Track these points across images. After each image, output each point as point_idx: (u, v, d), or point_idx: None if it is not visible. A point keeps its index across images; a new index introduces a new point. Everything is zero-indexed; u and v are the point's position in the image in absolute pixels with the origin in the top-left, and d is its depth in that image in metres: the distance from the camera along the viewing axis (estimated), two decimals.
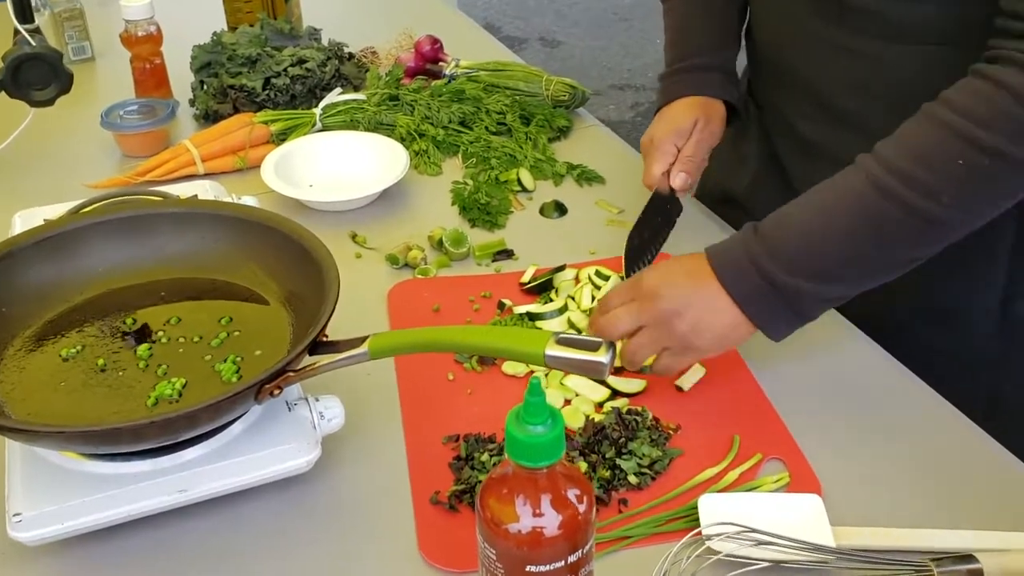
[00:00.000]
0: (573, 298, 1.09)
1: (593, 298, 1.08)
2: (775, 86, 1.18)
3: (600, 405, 0.95)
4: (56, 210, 1.08)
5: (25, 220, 1.08)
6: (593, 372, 0.75)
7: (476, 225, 1.25)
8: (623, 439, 0.89)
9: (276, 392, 0.80)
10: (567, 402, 0.96)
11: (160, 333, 0.92)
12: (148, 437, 0.78)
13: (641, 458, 0.88)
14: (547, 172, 1.36)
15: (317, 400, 0.87)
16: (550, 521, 0.63)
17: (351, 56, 1.63)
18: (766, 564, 0.77)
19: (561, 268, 1.13)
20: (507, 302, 1.09)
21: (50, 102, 1.29)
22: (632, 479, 0.86)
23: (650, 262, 1.11)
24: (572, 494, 0.64)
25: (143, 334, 0.91)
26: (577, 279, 1.12)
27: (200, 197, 1.12)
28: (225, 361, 0.87)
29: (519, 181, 1.33)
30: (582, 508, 0.64)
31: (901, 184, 0.83)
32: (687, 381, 0.98)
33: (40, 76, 1.28)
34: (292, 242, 0.93)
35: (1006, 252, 1.04)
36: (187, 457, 0.82)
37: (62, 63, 1.28)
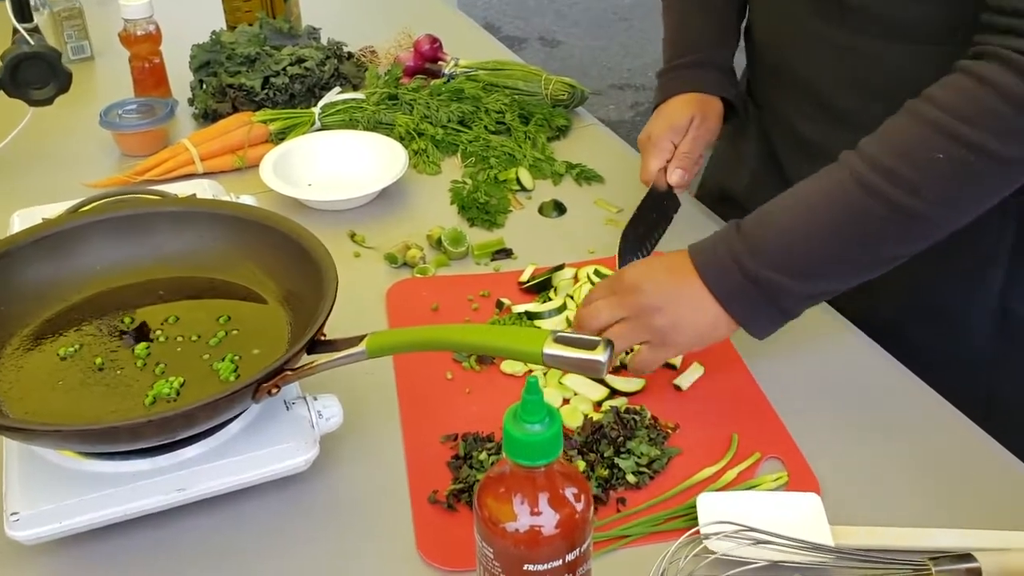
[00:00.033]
0: (572, 297, 1.08)
1: None
2: (774, 86, 1.18)
3: (599, 404, 0.95)
4: (54, 209, 1.08)
5: (24, 219, 1.08)
6: (591, 370, 0.75)
7: (475, 224, 1.25)
8: (621, 438, 0.89)
9: (274, 391, 0.80)
10: (565, 401, 0.96)
11: (158, 332, 0.92)
12: (146, 436, 0.78)
13: (639, 457, 0.88)
14: (546, 171, 1.36)
15: (315, 399, 0.87)
16: (548, 520, 0.63)
17: (350, 55, 1.63)
18: (764, 563, 0.77)
19: (560, 267, 1.13)
20: (506, 301, 1.09)
21: (49, 101, 1.29)
22: (630, 478, 0.86)
23: (644, 257, 1.11)
24: (570, 493, 0.64)
25: (141, 333, 0.91)
26: (576, 278, 1.12)
27: (199, 196, 1.11)
28: (223, 360, 0.87)
29: (518, 180, 1.33)
30: (580, 507, 0.64)
31: (884, 180, 0.83)
32: (685, 380, 0.98)
33: (39, 75, 1.28)
34: (290, 241, 0.93)
35: (1006, 253, 1.03)
36: (185, 456, 0.82)
37: (61, 62, 1.28)
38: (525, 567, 0.63)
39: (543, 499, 0.63)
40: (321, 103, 1.46)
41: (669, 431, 0.92)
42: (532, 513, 0.63)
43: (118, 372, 0.87)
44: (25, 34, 1.26)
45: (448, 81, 1.54)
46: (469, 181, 1.33)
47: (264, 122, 1.42)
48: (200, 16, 1.78)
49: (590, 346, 0.75)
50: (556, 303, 1.07)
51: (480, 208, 1.26)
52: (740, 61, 1.25)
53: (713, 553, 0.77)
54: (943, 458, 0.90)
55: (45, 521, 0.77)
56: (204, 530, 0.83)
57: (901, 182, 0.83)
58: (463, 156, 1.40)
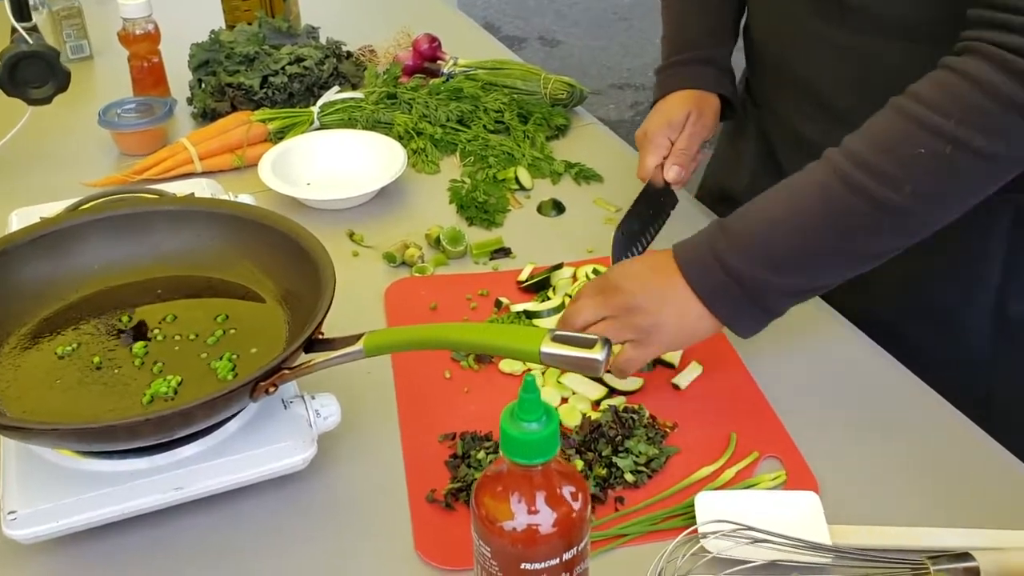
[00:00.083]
0: (570, 296, 1.08)
1: None
2: (773, 85, 1.18)
3: (597, 403, 0.95)
4: (53, 208, 1.08)
5: (22, 218, 1.08)
6: (588, 369, 0.75)
7: (474, 223, 1.25)
8: (620, 437, 0.89)
9: (271, 390, 0.80)
10: (564, 400, 0.96)
11: (156, 331, 0.91)
12: (143, 435, 0.77)
13: (638, 456, 0.88)
14: (545, 170, 1.36)
15: (313, 398, 0.87)
16: (545, 518, 0.63)
17: (349, 54, 1.62)
18: (762, 562, 0.77)
19: (559, 266, 1.13)
20: (504, 300, 1.09)
21: (47, 100, 1.29)
22: (628, 477, 0.86)
23: (639, 253, 1.11)
24: (567, 491, 0.63)
25: (139, 332, 0.91)
26: (574, 277, 1.12)
27: (197, 195, 1.11)
28: (221, 359, 0.87)
29: (517, 179, 1.33)
30: (577, 505, 0.63)
31: (867, 176, 0.83)
32: (684, 379, 0.98)
33: (37, 74, 1.28)
34: (288, 240, 0.93)
35: (1001, 252, 1.03)
36: (183, 455, 0.82)
37: (59, 61, 1.28)
38: (522, 566, 0.63)
39: (540, 498, 0.63)
40: (320, 102, 1.46)
41: (667, 430, 0.92)
42: (529, 512, 0.63)
43: (116, 371, 0.87)
44: (24, 33, 1.26)
45: (447, 80, 1.54)
46: (468, 180, 1.33)
47: (263, 121, 1.41)
48: (199, 15, 1.78)
49: (588, 344, 0.75)
50: (554, 302, 1.07)
51: (479, 207, 1.26)
52: (741, 61, 1.25)
53: (711, 552, 0.77)
54: (942, 457, 0.89)
55: (43, 520, 0.77)
56: (202, 529, 0.83)
57: (884, 178, 0.83)
58: (462, 155, 1.40)
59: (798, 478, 0.87)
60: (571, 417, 0.93)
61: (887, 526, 0.81)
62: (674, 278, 0.90)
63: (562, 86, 1.50)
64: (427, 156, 1.39)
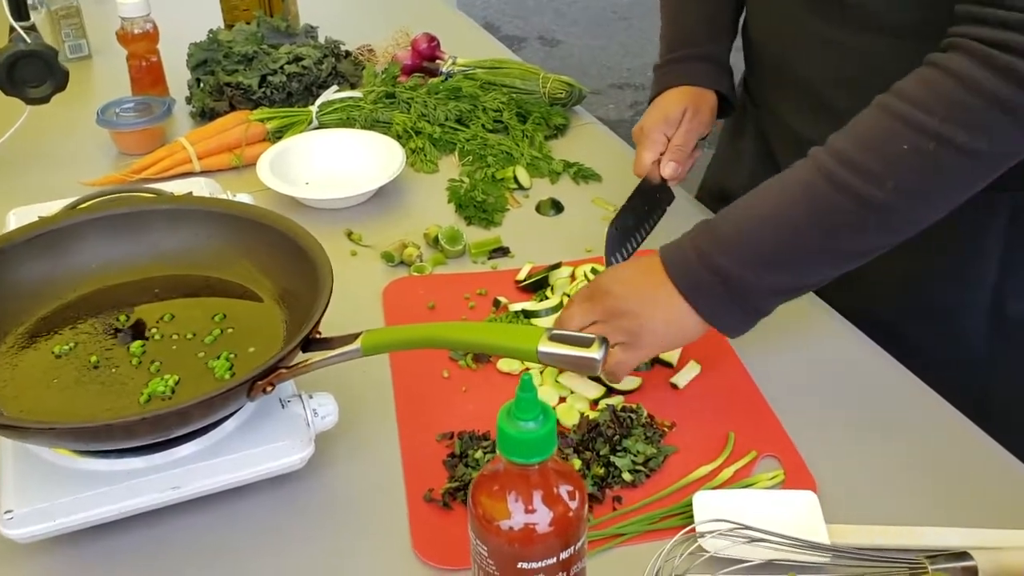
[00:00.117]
0: (568, 295, 1.08)
1: None
2: (772, 84, 1.18)
3: (595, 402, 0.95)
4: (51, 207, 1.08)
5: (20, 217, 1.08)
6: (586, 368, 0.75)
7: (472, 223, 1.25)
8: (617, 436, 0.89)
9: (269, 389, 0.80)
10: (562, 399, 0.96)
11: (153, 330, 0.91)
12: (140, 434, 0.77)
13: (636, 455, 0.88)
14: (544, 170, 1.36)
15: (311, 397, 0.87)
16: (542, 518, 0.62)
17: (348, 54, 1.62)
18: (759, 561, 0.77)
19: (557, 266, 1.13)
20: (502, 299, 1.09)
21: (45, 99, 1.29)
22: (626, 476, 0.86)
23: (634, 249, 1.11)
24: (564, 490, 0.63)
25: (136, 331, 0.91)
26: (573, 276, 1.12)
27: (195, 194, 1.11)
28: (218, 358, 0.87)
29: (515, 179, 1.33)
30: (574, 505, 0.63)
31: (850, 173, 0.83)
32: (682, 379, 0.97)
33: (35, 73, 1.27)
34: (286, 239, 0.92)
35: (998, 250, 1.03)
36: (180, 454, 0.82)
37: (57, 60, 1.28)
38: (519, 565, 0.63)
39: (537, 497, 0.63)
40: (318, 101, 1.46)
41: (665, 429, 0.92)
42: (526, 511, 0.62)
43: (113, 370, 0.87)
44: (22, 32, 1.26)
45: (446, 80, 1.53)
46: (466, 179, 1.33)
47: (261, 120, 1.41)
48: (198, 15, 1.78)
49: (585, 343, 0.75)
50: (553, 301, 1.07)
51: (477, 207, 1.26)
52: (740, 63, 1.24)
53: (708, 551, 0.77)
54: (940, 457, 0.89)
55: (39, 519, 0.77)
56: (199, 529, 0.83)
57: (868, 175, 0.82)
58: (460, 154, 1.40)
59: (796, 477, 0.86)
60: (569, 416, 0.93)
61: (885, 525, 0.81)
62: (661, 279, 0.90)
63: (561, 85, 1.50)
64: (426, 155, 1.39)
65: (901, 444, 0.90)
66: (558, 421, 0.92)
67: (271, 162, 1.31)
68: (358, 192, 1.27)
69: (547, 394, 0.96)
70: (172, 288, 0.96)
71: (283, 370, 0.81)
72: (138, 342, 0.90)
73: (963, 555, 0.75)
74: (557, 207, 1.28)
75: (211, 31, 1.57)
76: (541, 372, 0.99)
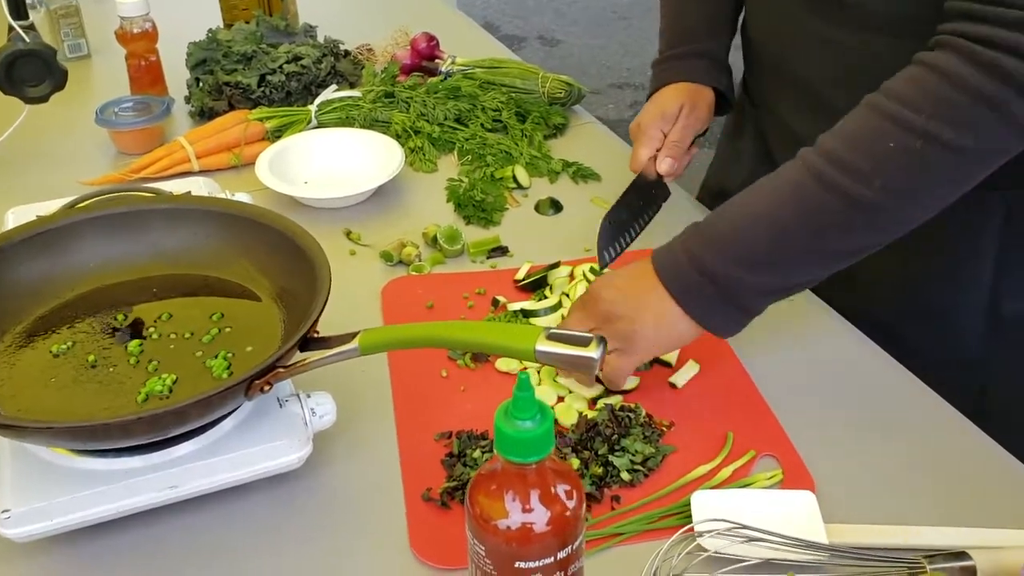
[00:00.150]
0: (567, 295, 1.08)
1: None
2: (770, 83, 1.18)
3: (593, 402, 0.95)
4: (49, 207, 1.08)
5: (18, 216, 1.08)
6: (584, 367, 0.75)
7: (471, 222, 1.25)
8: (616, 436, 0.89)
9: (266, 388, 0.80)
10: (560, 399, 0.96)
11: (151, 329, 0.91)
12: (137, 433, 0.77)
13: (634, 455, 0.87)
14: (543, 169, 1.36)
15: (309, 396, 0.87)
16: (539, 517, 0.62)
17: (347, 53, 1.62)
18: (757, 561, 0.77)
19: (556, 265, 1.13)
20: (501, 299, 1.09)
21: (44, 99, 1.29)
22: (625, 476, 0.86)
23: (627, 244, 1.11)
24: (562, 490, 0.63)
25: (134, 330, 0.91)
26: (572, 276, 1.12)
27: (194, 194, 1.11)
28: (216, 357, 0.87)
29: (514, 178, 1.33)
30: (571, 504, 0.63)
31: (836, 170, 0.83)
32: (681, 378, 0.97)
33: (34, 72, 1.27)
34: (284, 238, 0.92)
35: (992, 251, 1.03)
36: (178, 453, 0.82)
37: (56, 59, 1.28)
38: (516, 564, 0.63)
39: (534, 496, 0.62)
40: (317, 101, 1.46)
41: (664, 429, 0.92)
42: (523, 510, 0.62)
43: (111, 369, 0.87)
44: (20, 31, 1.26)
45: (445, 79, 1.53)
46: (465, 179, 1.33)
47: (260, 120, 1.41)
48: (197, 14, 1.78)
49: (583, 343, 0.74)
50: (551, 301, 1.07)
51: (476, 206, 1.26)
52: (740, 63, 1.24)
53: (706, 551, 0.77)
54: (939, 456, 0.89)
55: (37, 519, 0.77)
56: (197, 528, 0.83)
57: (857, 174, 0.82)
58: (459, 154, 1.40)
59: (795, 477, 0.86)
60: (567, 415, 0.93)
61: (884, 525, 0.81)
62: (651, 282, 0.90)
63: (560, 85, 1.50)
64: (424, 155, 1.39)
65: (900, 444, 0.90)
66: (556, 420, 0.92)
67: (270, 161, 1.31)
68: (357, 191, 1.27)
69: (546, 393, 0.96)
70: (170, 287, 0.96)
71: (281, 369, 0.81)
72: (136, 341, 0.90)
73: (961, 555, 0.75)
74: (556, 206, 1.28)
75: (210, 30, 1.57)
76: (539, 371, 0.99)
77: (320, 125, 1.44)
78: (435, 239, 1.18)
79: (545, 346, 0.75)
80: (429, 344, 0.84)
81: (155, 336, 0.90)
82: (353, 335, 0.81)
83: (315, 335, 0.84)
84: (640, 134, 1.15)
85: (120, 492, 0.79)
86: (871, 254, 0.88)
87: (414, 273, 1.15)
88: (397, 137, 1.40)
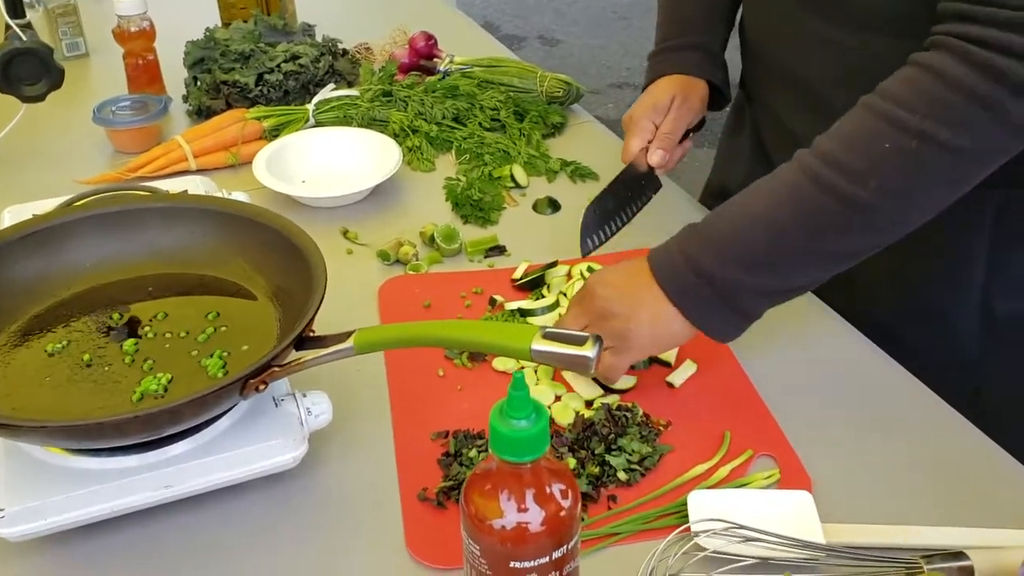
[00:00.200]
0: (565, 294, 1.08)
1: None
2: (765, 81, 1.18)
3: (590, 401, 0.94)
4: (46, 205, 1.07)
5: (15, 215, 1.08)
6: (579, 366, 0.74)
7: (469, 221, 1.25)
8: (613, 435, 0.88)
9: (261, 387, 0.80)
10: (557, 398, 0.95)
11: (147, 328, 0.91)
12: (131, 432, 0.77)
13: (631, 454, 0.87)
14: (541, 168, 1.36)
15: (304, 396, 0.86)
16: (534, 517, 0.62)
17: (345, 52, 1.62)
18: (753, 560, 0.76)
19: (553, 264, 1.13)
20: (499, 298, 1.09)
21: (41, 97, 1.29)
22: (621, 475, 0.86)
23: (611, 234, 1.11)
24: (557, 489, 0.63)
25: (130, 329, 0.91)
26: (569, 275, 1.12)
27: (190, 193, 1.11)
28: (212, 356, 0.87)
29: (512, 177, 1.32)
30: (567, 504, 0.63)
31: (833, 171, 0.83)
32: (678, 377, 0.97)
33: (31, 71, 1.27)
34: (280, 237, 0.92)
35: (984, 250, 1.03)
36: (173, 453, 0.81)
37: (53, 58, 1.27)
38: (511, 564, 0.63)
39: (529, 496, 0.62)
40: (315, 100, 1.46)
41: (661, 428, 0.91)
42: (518, 510, 0.62)
43: (106, 368, 0.87)
44: (17, 30, 1.26)
45: (443, 78, 1.53)
46: (463, 178, 1.33)
47: (258, 119, 1.41)
48: (195, 13, 1.78)
49: (578, 342, 0.74)
50: (549, 300, 1.07)
51: (474, 205, 1.26)
52: (739, 61, 1.24)
53: (703, 550, 0.77)
54: (937, 456, 0.89)
55: (31, 518, 0.77)
56: (192, 528, 0.83)
57: (853, 175, 0.82)
58: (457, 153, 1.39)
59: (792, 477, 0.86)
60: (564, 415, 0.92)
61: (881, 525, 0.81)
62: (647, 281, 0.90)
63: (558, 84, 1.50)
64: (422, 154, 1.39)
65: (897, 444, 0.90)
66: (553, 420, 0.92)
67: (267, 160, 1.30)
68: (354, 190, 1.27)
69: (542, 393, 0.95)
70: (166, 286, 0.96)
71: (276, 368, 0.80)
72: (131, 340, 0.89)
73: (959, 555, 0.75)
74: (554, 206, 1.28)
75: (208, 29, 1.57)
76: (536, 370, 0.98)
77: (318, 124, 1.43)
78: (432, 238, 1.18)
79: (541, 345, 0.75)
80: (424, 343, 0.83)
81: (150, 335, 0.90)
82: (348, 334, 0.81)
83: (311, 334, 0.83)
84: (632, 125, 1.15)
85: (115, 491, 0.79)
86: (870, 256, 0.88)
87: (411, 272, 1.15)
88: (395, 136, 1.39)
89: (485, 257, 1.18)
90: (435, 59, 1.59)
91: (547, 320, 1.05)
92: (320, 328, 0.84)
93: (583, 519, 0.82)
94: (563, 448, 0.88)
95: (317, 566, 0.80)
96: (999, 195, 0.99)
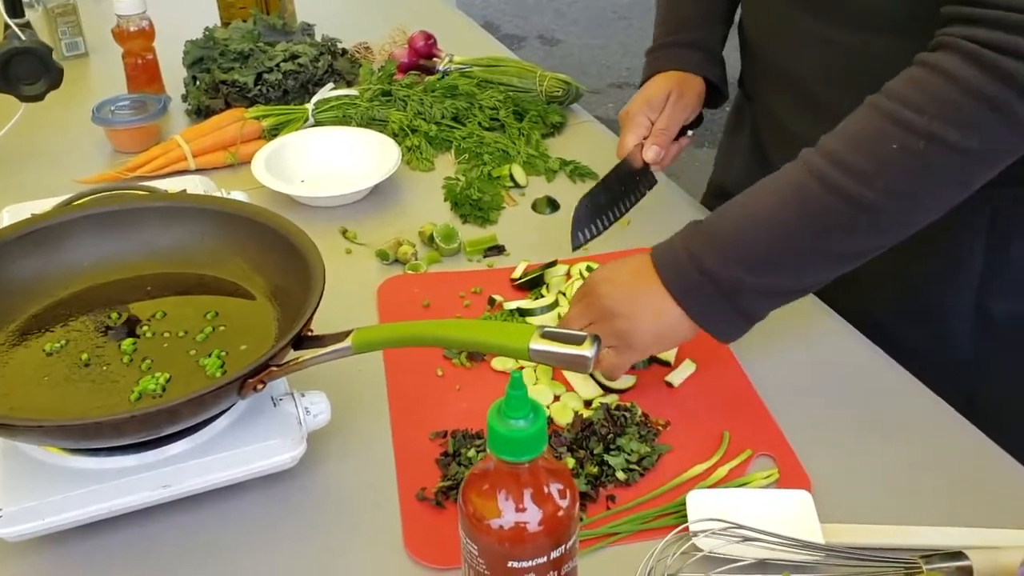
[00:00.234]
0: (564, 294, 1.08)
1: None
2: (763, 80, 1.18)
3: (589, 401, 0.94)
4: (45, 205, 1.07)
5: (13, 215, 1.08)
6: (578, 366, 0.74)
7: (468, 221, 1.25)
8: (611, 435, 0.88)
9: (259, 387, 0.80)
10: (556, 398, 0.95)
11: (145, 328, 0.91)
12: (129, 432, 0.77)
13: (629, 454, 0.87)
14: (540, 168, 1.36)
15: (303, 395, 0.86)
16: (532, 516, 0.62)
17: (344, 51, 1.62)
18: (752, 560, 0.76)
19: (552, 264, 1.13)
20: (498, 298, 1.09)
21: (40, 97, 1.29)
22: (620, 475, 0.86)
23: (604, 228, 1.11)
24: (555, 489, 0.63)
25: (128, 329, 0.91)
26: (568, 275, 1.12)
27: (189, 192, 1.11)
28: (210, 356, 0.87)
29: (511, 177, 1.32)
30: (565, 503, 0.63)
31: (839, 172, 0.83)
32: (677, 377, 0.97)
33: (30, 71, 1.27)
34: (278, 236, 0.92)
35: (980, 251, 1.03)
36: (171, 452, 0.81)
37: (52, 57, 1.27)
38: (509, 564, 0.63)
39: (527, 495, 0.62)
40: (314, 99, 1.45)
41: (660, 428, 0.91)
42: (516, 510, 0.62)
43: (104, 368, 0.87)
44: (16, 29, 1.26)
45: (442, 77, 1.53)
46: (462, 178, 1.33)
47: (257, 118, 1.41)
48: (194, 12, 1.77)
49: (576, 341, 0.74)
50: (548, 300, 1.07)
51: (473, 205, 1.26)
52: (738, 61, 1.24)
53: (702, 550, 0.77)
54: (935, 456, 0.89)
55: (28, 518, 0.77)
56: (190, 527, 0.83)
57: (859, 176, 0.82)
58: (457, 152, 1.39)
59: (791, 477, 0.86)
60: (563, 415, 0.92)
61: (880, 525, 0.80)
62: (651, 280, 0.90)
63: (558, 83, 1.50)
64: (422, 153, 1.39)
65: (896, 444, 0.90)
66: (552, 419, 0.92)
67: (266, 160, 1.30)
68: (353, 190, 1.27)
69: (541, 392, 0.95)
70: (164, 286, 0.96)
71: (274, 368, 0.80)
72: (129, 340, 0.89)
73: (958, 555, 0.75)
74: (553, 205, 1.28)
75: (207, 29, 1.57)
76: (535, 370, 0.98)
77: (317, 123, 1.43)
78: (431, 238, 1.18)
79: (539, 344, 0.75)
80: (422, 343, 0.83)
81: (149, 335, 0.90)
82: (346, 334, 0.81)
83: (309, 334, 0.83)
84: (627, 121, 1.15)
85: (113, 491, 0.79)
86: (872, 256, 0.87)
87: (410, 272, 1.15)
88: (394, 136, 1.39)
89: (484, 257, 1.18)
90: (434, 59, 1.59)
91: (546, 319, 1.05)
92: (319, 328, 0.84)
93: (582, 519, 0.82)
94: (562, 448, 0.88)
95: (316, 566, 0.80)
96: (996, 195, 0.99)
